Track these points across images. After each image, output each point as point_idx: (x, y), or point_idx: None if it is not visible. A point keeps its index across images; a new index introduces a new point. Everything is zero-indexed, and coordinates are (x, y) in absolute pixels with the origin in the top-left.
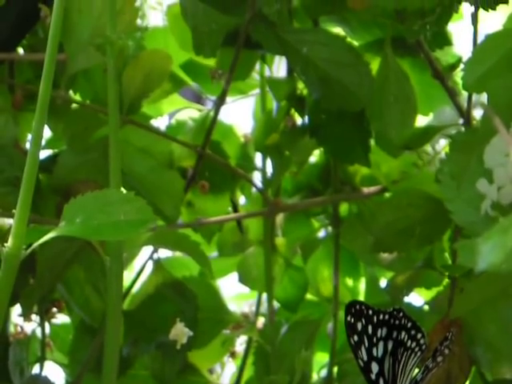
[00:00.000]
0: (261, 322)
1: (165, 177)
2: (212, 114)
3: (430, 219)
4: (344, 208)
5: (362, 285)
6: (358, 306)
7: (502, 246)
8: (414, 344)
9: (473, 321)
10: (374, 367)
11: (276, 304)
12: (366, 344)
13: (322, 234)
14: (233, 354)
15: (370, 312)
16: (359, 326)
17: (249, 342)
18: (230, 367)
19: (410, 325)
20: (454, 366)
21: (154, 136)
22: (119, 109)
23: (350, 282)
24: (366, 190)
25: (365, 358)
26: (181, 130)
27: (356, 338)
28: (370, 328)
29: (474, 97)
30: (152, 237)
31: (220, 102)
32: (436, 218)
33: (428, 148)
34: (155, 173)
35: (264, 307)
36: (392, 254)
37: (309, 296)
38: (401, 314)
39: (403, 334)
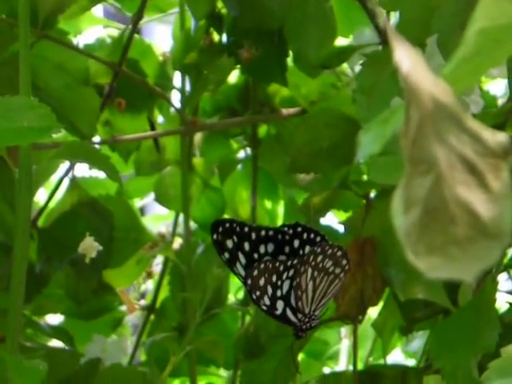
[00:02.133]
0: (178, 242)
1: (80, 93)
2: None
3: (347, 140)
4: (263, 129)
5: (281, 207)
6: (227, 225)
7: (381, 136)
8: None
9: (386, 241)
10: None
11: (193, 225)
12: (243, 260)
13: (240, 155)
14: (149, 274)
15: (246, 229)
16: (229, 243)
17: (165, 262)
18: (148, 287)
19: (318, 239)
20: (367, 287)
21: (71, 52)
22: (34, 23)
23: (268, 204)
24: (285, 111)
25: (242, 273)
26: (100, 47)
27: (227, 255)
28: (246, 245)
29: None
30: (62, 149)
31: (137, 18)
32: (353, 139)
33: (347, 70)
34: (71, 89)
35: (181, 228)
36: (310, 176)
37: (226, 217)
38: (299, 229)
39: (307, 248)
